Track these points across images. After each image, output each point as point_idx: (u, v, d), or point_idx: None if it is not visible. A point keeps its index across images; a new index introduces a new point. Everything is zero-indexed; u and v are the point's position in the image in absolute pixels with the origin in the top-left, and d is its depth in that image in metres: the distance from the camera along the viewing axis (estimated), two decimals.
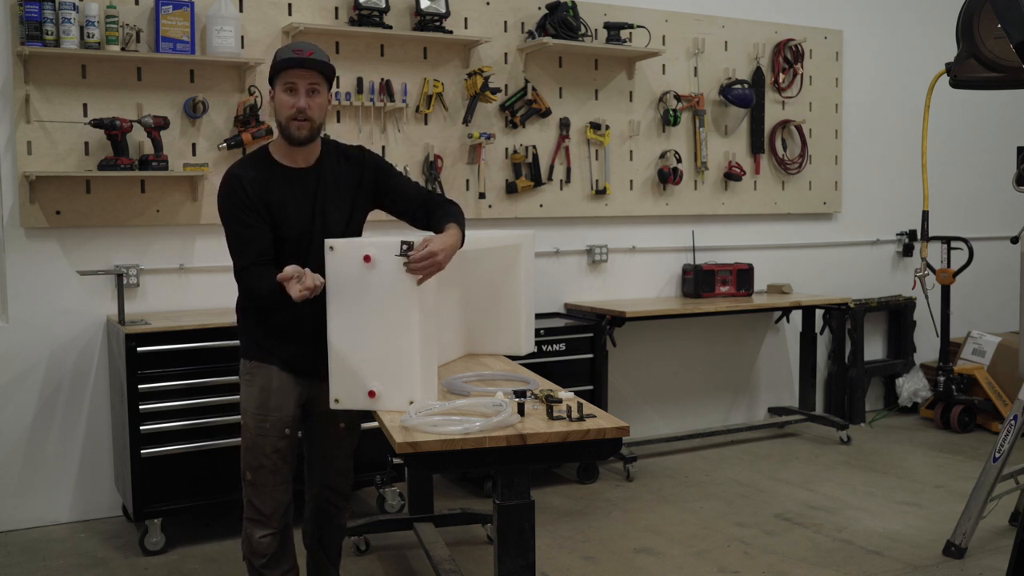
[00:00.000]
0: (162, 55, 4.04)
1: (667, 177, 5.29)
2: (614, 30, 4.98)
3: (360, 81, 4.52)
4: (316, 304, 2.68)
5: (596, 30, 5.06)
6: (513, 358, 3.42)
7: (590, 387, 4.69)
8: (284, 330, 2.76)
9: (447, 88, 4.73)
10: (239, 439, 2.81)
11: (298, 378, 2.79)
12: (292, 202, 2.71)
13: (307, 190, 2.75)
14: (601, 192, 5.16)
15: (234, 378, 2.86)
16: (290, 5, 4.39)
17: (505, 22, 4.89)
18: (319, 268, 2.59)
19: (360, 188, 2.85)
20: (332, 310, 2.63)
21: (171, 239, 4.26)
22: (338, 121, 4.49)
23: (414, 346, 2.58)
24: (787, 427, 5.69)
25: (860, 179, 6.11)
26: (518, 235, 3.38)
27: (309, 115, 2.67)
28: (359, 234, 2.89)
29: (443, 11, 4.59)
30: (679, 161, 5.36)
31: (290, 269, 2.48)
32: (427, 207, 2.88)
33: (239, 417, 2.81)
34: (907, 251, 6.31)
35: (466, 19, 4.79)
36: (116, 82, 4.08)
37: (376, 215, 2.96)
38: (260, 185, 2.67)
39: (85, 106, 4.03)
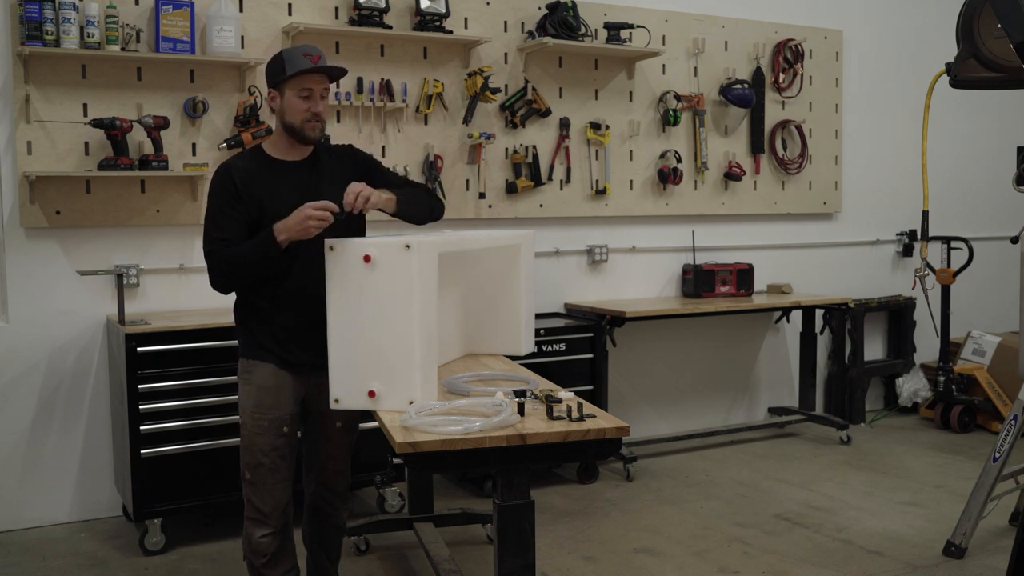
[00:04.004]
0: (162, 55, 4.04)
1: (667, 177, 5.29)
2: (614, 30, 4.98)
3: (360, 81, 4.52)
4: (315, 303, 2.68)
5: (596, 30, 5.06)
6: (513, 358, 3.42)
7: (590, 387, 4.69)
8: (284, 328, 2.76)
9: (447, 88, 4.73)
10: (239, 438, 2.81)
11: (296, 376, 2.79)
12: (284, 192, 2.74)
13: (300, 181, 2.78)
14: (601, 192, 5.16)
15: (234, 378, 2.86)
16: (290, 5, 4.39)
17: (505, 22, 4.89)
18: (314, 259, 2.65)
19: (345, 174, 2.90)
20: (332, 310, 2.63)
21: (171, 239, 4.26)
22: (338, 121, 4.49)
23: (414, 346, 2.58)
24: (787, 427, 5.69)
25: (860, 179, 6.11)
26: (518, 235, 3.38)
27: (322, 117, 2.78)
28: (360, 230, 2.92)
29: (443, 11, 4.59)
30: (679, 161, 5.37)
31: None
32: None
33: (239, 416, 2.81)
34: (907, 251, 6.31)
35: (466, 19, 4.79)
36: (116, 82, 4.08)
37: (376, 215, 2.96)
38: (249, 176, 2.72)
39: (85, 106, 4.03)
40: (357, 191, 2.67)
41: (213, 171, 4.11)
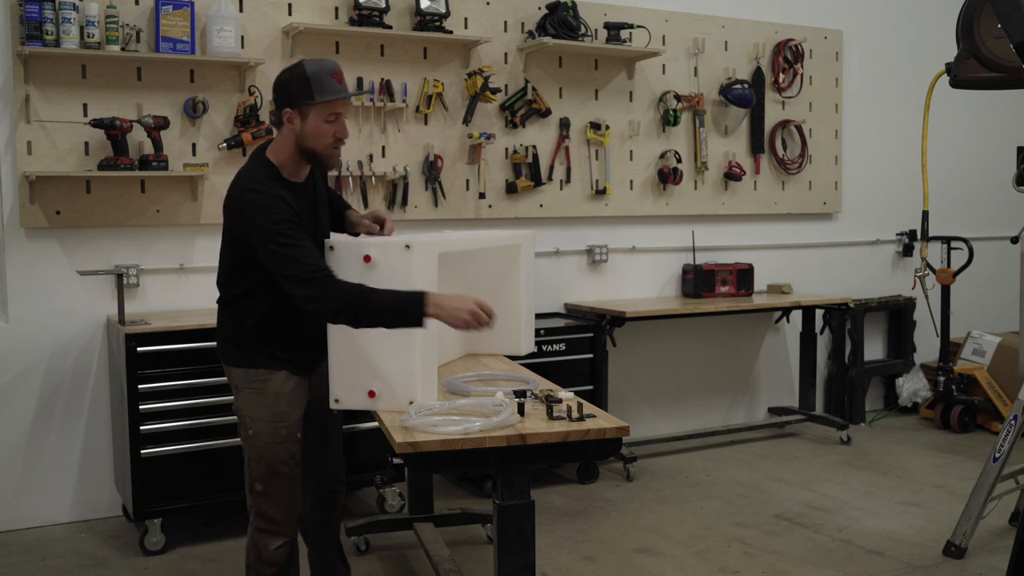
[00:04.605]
0: (162, 55, 4.04)
1: (667, 177, 5.29)
2: (614, 30, 4.98)
3: (360, 81, 4.52)
4: None
5: (596, 30, 5.06)
6: (513, 358, 3.42)
7: (590, 387, 4.69)
8: (295, 335, 2.75)
9: (447, 88, 4.73)
10: (237, 439, 2.79)
11: (302, 379, 2.78)
12: (313, 220, 2.73)
13: (309, 204, 2.75)
14: (601, 192, 5.16)
15: None
16: (290, 5, 4.39)
17: (505, 22, 4.89)
18: None
19: (325, 192, 2.92)
20: None
21: (171, 239, 4.26)
22: None
23: (414, 346, 2.58)
24: (787, 427, 5.69)
25: (860, 179, 6.11)
26: (518, 235, 3.38)
27: (344, 141, 2.70)
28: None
29: (443, 11, 4.59)
30: (679, 161, 5.36)
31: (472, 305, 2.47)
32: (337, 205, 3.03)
33: (246, 429, 2.74)
34: (907, 251, 6.31)
35: (466, 19, 4.79)
36: (116, 82, 4.08)
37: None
38: (296, 207, 2.62)
39: (85, 106, 4.03)
40: (392, 227, 2.85)
41: (214, 173, 4.18)
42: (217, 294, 2.80)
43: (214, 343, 3.77)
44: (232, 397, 2.81)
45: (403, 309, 2.46)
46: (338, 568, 3.11)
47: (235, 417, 2.81)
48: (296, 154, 2.66)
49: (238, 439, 2.80)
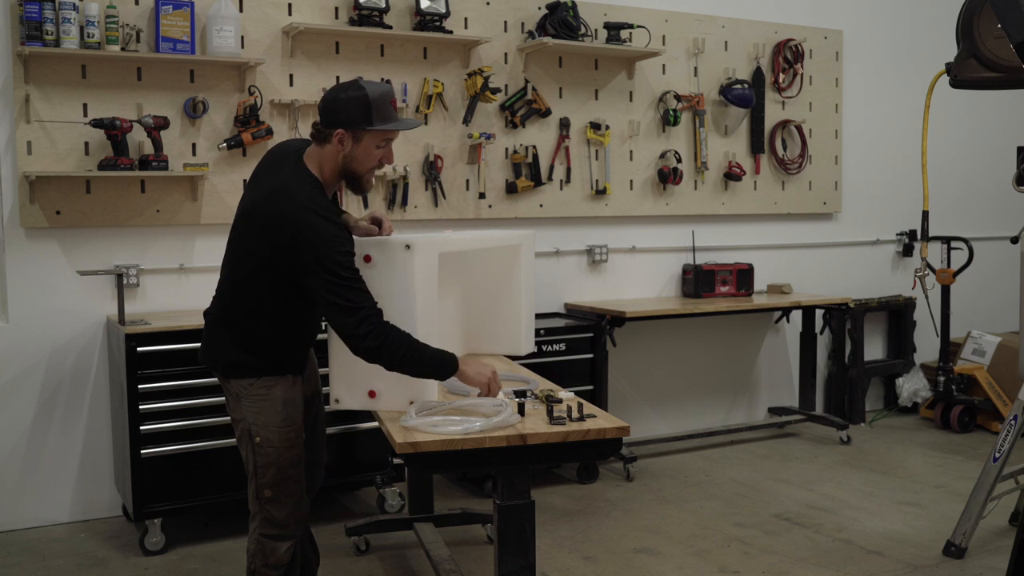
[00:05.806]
0: (162, 55, 4.04)
1: (667, 177, 5.29)
2: (614, 30, 4.98)
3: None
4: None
5: (596, 30, 5.06)
6: (513, 358, 3.42)
7: (590, 387, 4.69)
8: (307, 341, 2.76)
9: (447, 88, 4.73)
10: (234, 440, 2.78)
11: (298, 376, 2.78)
12: None
13: None
14: (601, 192, 5.16)
15: None
16: (290, 5, 4.39)
17: (505, 22, 4.89)
18: None
19: None
20: None
21: (171, 239, 4.26)
22: None
23: None
24: (787, 427, 5.69)
25: (860, 179, 6.11)
26: (518, 235, 3.38)
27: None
28: None
29: (443, 11, 4.59)
30: (679, 161, 5.36)
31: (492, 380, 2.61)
32: None
33: (253, 437, 2.67)
34: (907, 251, 6.31)
35: (466, 19, 4.79)
36: (116, 82, 4.08)
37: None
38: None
39: (85, 106, 4.03)
40: (390, 227, 2.79)
41: (214, 173, 4.17)
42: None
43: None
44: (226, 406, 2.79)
45: (439, 368, 2.54)
46: (307, 550, 3.10)
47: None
48: (337, 174, 2.60)
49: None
